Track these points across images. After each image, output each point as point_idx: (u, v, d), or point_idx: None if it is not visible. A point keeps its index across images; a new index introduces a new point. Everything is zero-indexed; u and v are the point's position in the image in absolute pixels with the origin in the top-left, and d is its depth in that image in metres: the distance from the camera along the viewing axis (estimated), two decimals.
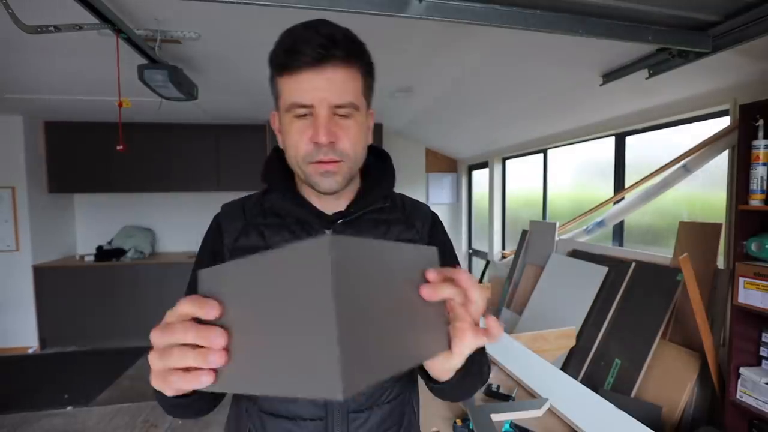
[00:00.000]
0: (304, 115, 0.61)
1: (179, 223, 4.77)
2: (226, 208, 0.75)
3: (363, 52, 0.63)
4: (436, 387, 0.58)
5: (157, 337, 0.37)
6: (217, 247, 0.71)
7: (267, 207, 0.71)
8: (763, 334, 1.81)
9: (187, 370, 0.36)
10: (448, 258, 0.76)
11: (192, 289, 0.69)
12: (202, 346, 0.35)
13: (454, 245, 0.84)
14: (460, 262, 0.81)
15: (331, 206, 0.70)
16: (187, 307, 0.37)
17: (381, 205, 0.72)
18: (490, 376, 1.51)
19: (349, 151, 0.63)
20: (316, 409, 0.66)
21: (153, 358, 0.38)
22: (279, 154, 0.73)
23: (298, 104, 0.60)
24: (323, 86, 0.59)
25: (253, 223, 0.70)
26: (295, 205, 0.68)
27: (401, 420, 0.72)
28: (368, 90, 0.66)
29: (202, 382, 0.35)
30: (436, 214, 0.81)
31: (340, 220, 0.69)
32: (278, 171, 0.71)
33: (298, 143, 0.62)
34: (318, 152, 0.61)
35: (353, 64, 0.61)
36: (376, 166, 0.75)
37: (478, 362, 0.62)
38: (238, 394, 0.74)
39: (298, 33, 0.59)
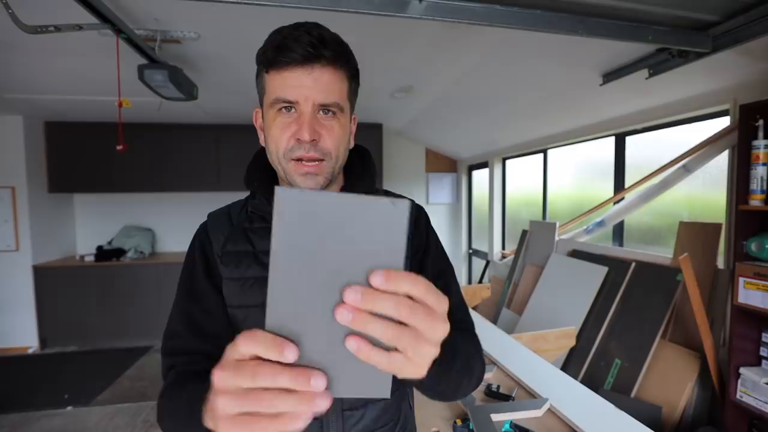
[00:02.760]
0: (289, 111, 0.62)
1: (179, 223, 4.77)
2: (211, 216, 0.75)
3: (350, 57, 0.64)
4: (415, 383, 0.53)
5: (227, 379, 0.33)
6: (208, 255, 0.70)
7: (252, 211, 0.72)
8: (763, 334, 1.81)
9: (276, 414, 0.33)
10: (431, 256, 0.75)
11: (186, 292, 0.70)
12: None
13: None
14: (447, 256, 0.80)
15: None
16: (259, 348, 0.32)
17: None
18: (490, 375, 1.52)
19: (332, 150, 0.63)
20: None
21: (225, 402, 0.33)
22: (261, 158, 0.74)
23: (283, 99, 0.61)
24: (310, 84, 0.60)
25: (240, 228, 0.71)
26: None
27: (397, 416, 0.72)
28: (353, 94, 0.68)
29: (301, 425, 0.32)
30: (421, 208, 0.80)
31: None
32: (261, 174, 0.72)
33: (279, 138, 0.62)
34: (299, 148, 0.62)
35: (340, 67, 0.62)
36: (357, 164, 0.76)
37: (464, 355, 0.60)
38: None
39: (288, 32, 0.60)
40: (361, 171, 0.75)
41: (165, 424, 0.60)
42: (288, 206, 0.31)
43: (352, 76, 0.66)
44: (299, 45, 0.58)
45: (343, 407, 0.67)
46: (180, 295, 0.71)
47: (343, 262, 0.32)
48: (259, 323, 0.61)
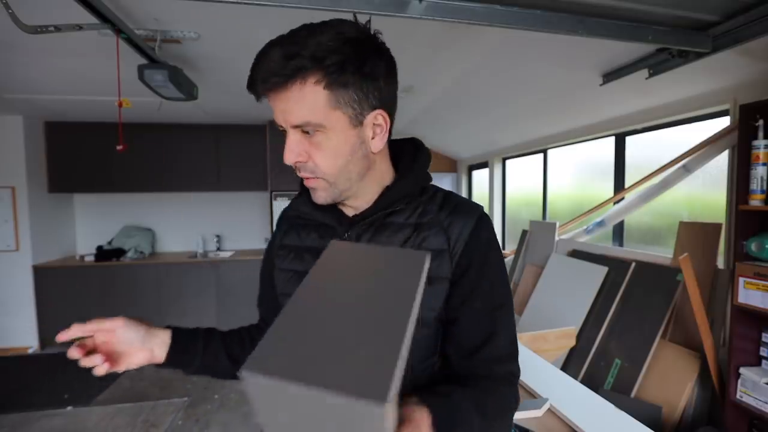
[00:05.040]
0: (286, 134, 0.63)
1: (179, 223, 4.77)
2: (290, 204, 0.81)
3: (323, 60, 0.55)
4: None
5: None
6: (273, 242, 0.81)
7: (293, 208, 0.78)
8: (763, 334, 1.81)
9: None
10: (490, 283, 0.65)
11: (264, 278, 0.83)
12: None
13: None
14: (508, 284, 0.69)
15: (352, 208, 0.70)
16: None
17: (401, 207, 0.67)
18: None
19: (324, 168, 0.61)
20: None
21: None
22: None
23: (277, 124, 0.63)
24: (283, 108, 0.59)
25: (294, 224, 0.77)
26: (316, 210, 0.71)
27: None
28: (343, 99, 0.58)
29: None
30: (481, 220, 0.67)
31: (359, 223, 0.68)
32: None
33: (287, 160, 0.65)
34: (297, 169, 0.64)
35: (310, 80, 0.56)
36: (408, 158, 0.71)
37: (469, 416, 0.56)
38: None
39: (256, 59, 0.60)
40: (411, 164, 0.70)
41: None
42: (256, 391, 0.30)
43: (334, 81, 0.56)
44: (258, 75, 0.58)
45: None
46: (261, 278, 0.85)
47: None
48: None
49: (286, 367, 0.29)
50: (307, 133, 0.60)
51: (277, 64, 0.56)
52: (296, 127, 0.59)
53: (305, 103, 0.57)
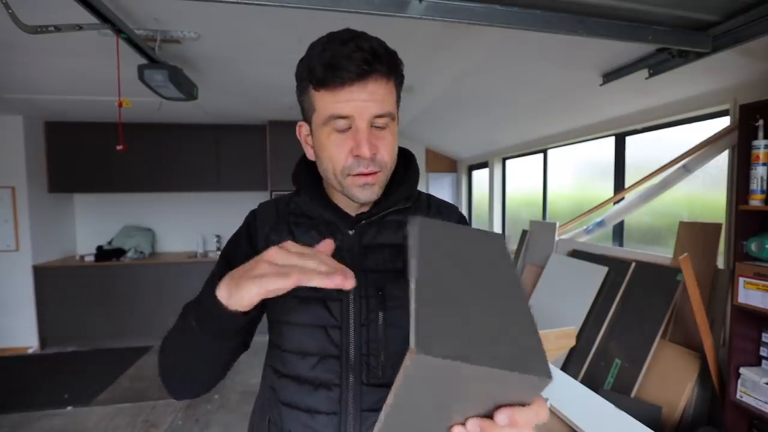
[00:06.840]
0: (344, 130, 0.62)
1: (179, 223, 4.77)
2: (261, 205, 0.79)
3: (399, 65, 0.65)
4: None
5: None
6: (252, 238, 0.74)
7: (296, 208, 0.75)
8: (763, 334, 1.81)
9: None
10: None
11: (224, 261, 0.73)
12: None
13: None
14: None
15: (355, 208, 0.72)
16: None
17: (402, 206, 0.73)
18: None
19: (387, 162, 0.65)
20: (331, 404, 0.66)
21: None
22: (306, 159, 0.75)
23: (338, 115, 0.61)
24: (365, 98, 0.60)
25: (285, 221, 0.74)
26: (322, 208, 0.71)
27: None
28: (398, 101, 0.70)
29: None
30: (464, 217, 0.80)
31: (363, 222, 0.71)
32: (307, 175, 0.75)
33: (337, 157, 0.63)
34: (358, 165, 0.63)
35: (392, 77, 0.63)
36: (401, 169, 0.76)
37: None
38: (265, 384, 0.75)
39: (337, 48, 0.59)
40: (402, 176, 0.75)
41: (172, 345, 0.62)
42: (421, 369, 0.32)
43: (401, 83, 0.67)
44: (352, 63, 0.58)
45: (362, 407, 0.67)
46: (217, 266, 0.73)
47: (467, 398, 0.34)
48: (288, 311, 0.68)
49: (456, 350, 0.32)
50: (377, 126, 0.63)
51: (384, 53, 0.61)
52: (378, 116, 0.62)
53: (392, 96, 0.64)
